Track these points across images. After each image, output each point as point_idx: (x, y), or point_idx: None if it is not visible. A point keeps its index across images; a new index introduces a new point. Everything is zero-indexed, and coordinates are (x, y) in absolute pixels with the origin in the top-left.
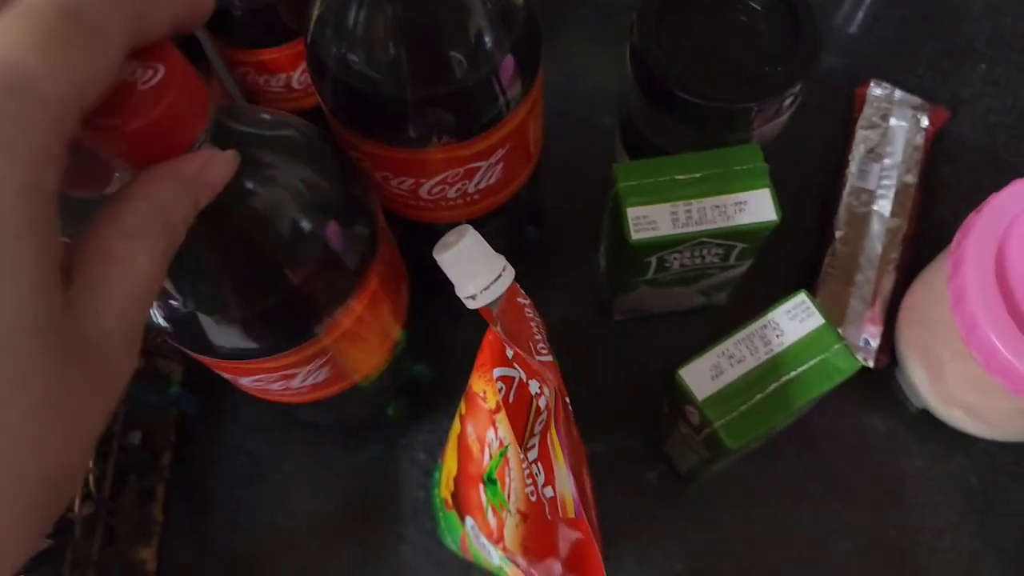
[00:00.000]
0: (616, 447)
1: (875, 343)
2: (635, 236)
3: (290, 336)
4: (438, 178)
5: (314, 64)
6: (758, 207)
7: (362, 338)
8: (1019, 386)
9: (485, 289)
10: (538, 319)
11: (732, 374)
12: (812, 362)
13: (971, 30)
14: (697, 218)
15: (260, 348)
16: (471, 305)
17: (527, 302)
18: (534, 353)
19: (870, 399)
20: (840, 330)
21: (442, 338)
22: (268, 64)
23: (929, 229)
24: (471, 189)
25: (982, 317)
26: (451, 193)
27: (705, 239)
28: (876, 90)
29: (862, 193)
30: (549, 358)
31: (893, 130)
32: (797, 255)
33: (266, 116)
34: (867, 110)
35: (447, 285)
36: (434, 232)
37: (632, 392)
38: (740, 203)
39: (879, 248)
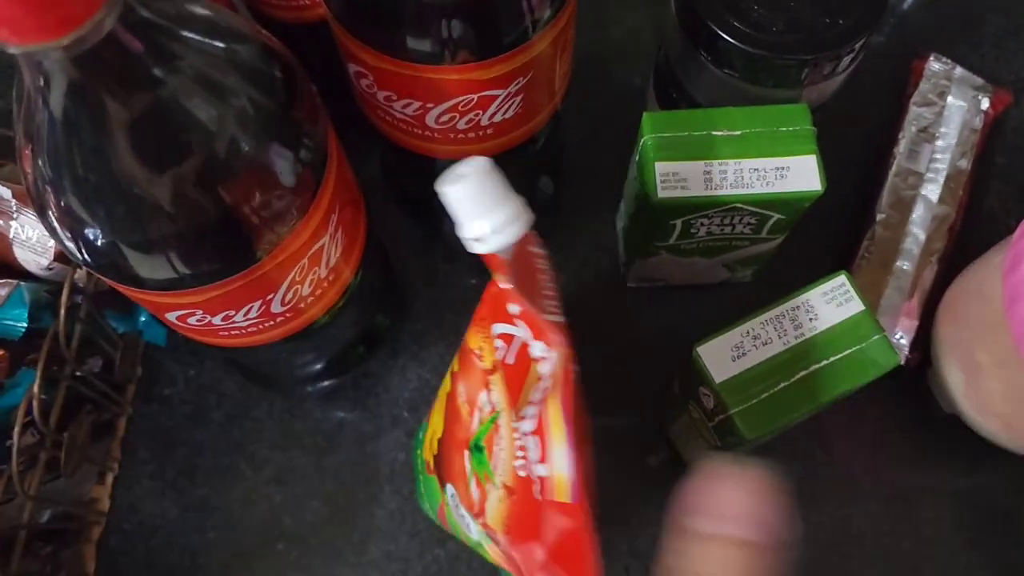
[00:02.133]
0: (617, 424)
1: (908, 339)
2: (661, 194)
3: (224, 262)
4: (448, 104)
5: None
6: (802, 174)
7: (307, 270)
8: None
9: (496, 232)
10: (551, 274)
11: (755, 357)
12: (846, 352)
13: None
14: (733, 180)
15: (189, 276)
16: (476, 249)
17: (541, 253)
18: (543, 311)
19: (896, 400)
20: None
21: (411, 286)
22: None
23: (979, 221)
24: (484, 122)
25: None
26: (461, 124)
27: (739, 204)
28: (935, 65)
29: (910, 175)
30: (559, 319)
31: (950, 109)
32: (833, 236)
33: (201, 11)
34: (924, 85)
35: (439, 226)
36: (435, 168)
37: (641, 367)
38: (782, 168)
39: (923, 236)
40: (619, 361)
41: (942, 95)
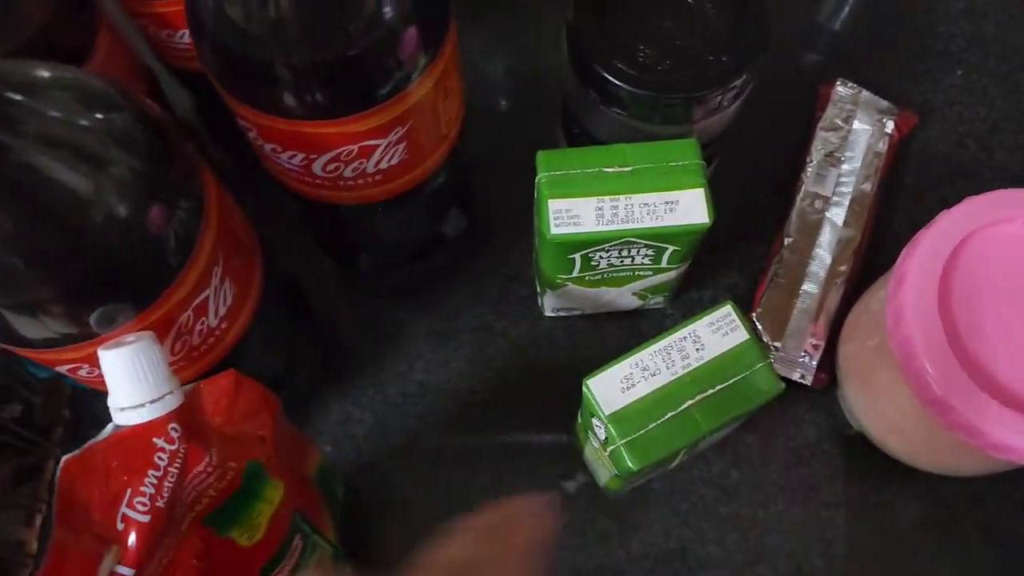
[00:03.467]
0: (534, 448)
1: (815, 360)
2: (554, 231)
3: (98, 322)
4: (331, 155)
5: (192, 19)
6: (690, 208)
7: (192, 321)
8: (950, 420)
9: (136, 407)
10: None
11: (644, 388)
12: (732, 380)
13: (949, 32)
14: (624, 216)
15: (68, 335)
16: (117, 418)
17: (167, 449)
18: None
19: (807, 418)
20: (780, 343)
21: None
22: (166, 18)
23: (885, 243)
24: (370, 169)
25: (919, 343)
26: (347, 172)
27: (632, 239)
28: (841, 90)
29: (817, 199)
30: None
31: (855, 133)
32: (747, 261)
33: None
34: (830, 110)
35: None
36: (339, 212)
37: (560, 395)
38: (671, 202)
39: (829, 259)
40: (539, 388)
41: (848, 119)
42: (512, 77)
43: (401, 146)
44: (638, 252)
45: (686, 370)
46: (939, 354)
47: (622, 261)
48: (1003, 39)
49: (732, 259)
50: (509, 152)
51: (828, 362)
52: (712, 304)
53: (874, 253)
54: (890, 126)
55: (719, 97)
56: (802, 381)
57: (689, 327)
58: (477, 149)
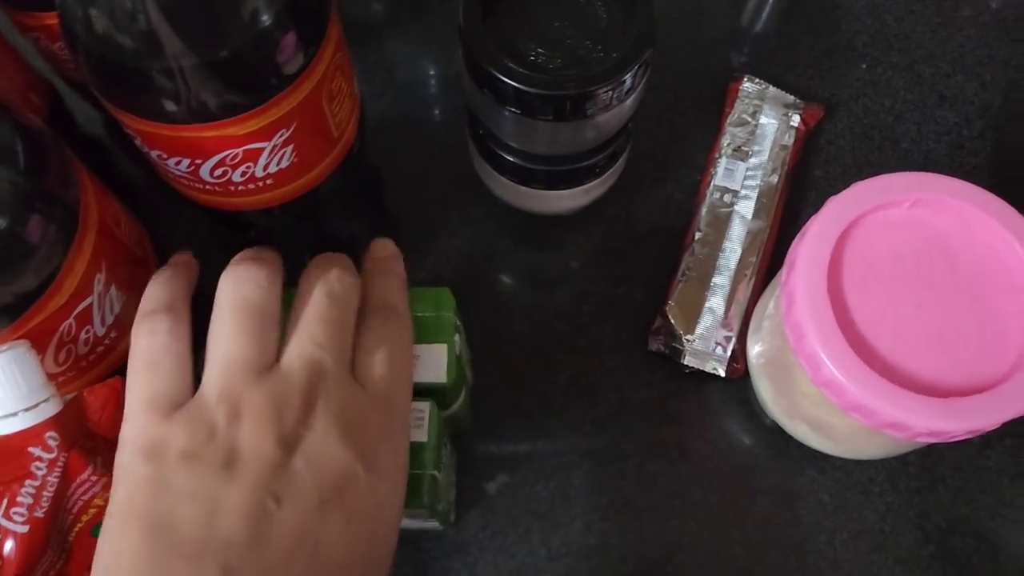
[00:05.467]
0: None
1: (728, 351)
2: None
3: None
4: (216, 159)
5: (64, 28)
6: (431, 364)
7: (75, 330)
8: (844, 401)
9: (8, 416)
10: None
11: None
12: None
13: (853, 28)
14: None
15: None
16: None
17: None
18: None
19: (726, 410)
20: (692, 335)
21: None
22: (55, 30)
23: (793, 234)
24: (260, 173)
25: (809, 326)
26: (236, 177)
27: None
28: (748, 86)
29: (726, 193)
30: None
31: (762, 128)
32: (666, 254)
33: None
34: (738, 106)
35: None
36: (243, 219)
37: None
38: (414, 356)
39: (739, 251)
40: None
41: (755, 114)
42: (431, 81)
43: (288, 149)
44: None
45: None
46: (830, 336)
47: None
48: (905, 33)
49: (647, 253)
50: (423, 156)
51: (742, 353)
52: (628, 302)
53: (783, 244)
54: (796, 120)
55: (609, 93)
56: (715, 373)
57: None
58: (390, 153)
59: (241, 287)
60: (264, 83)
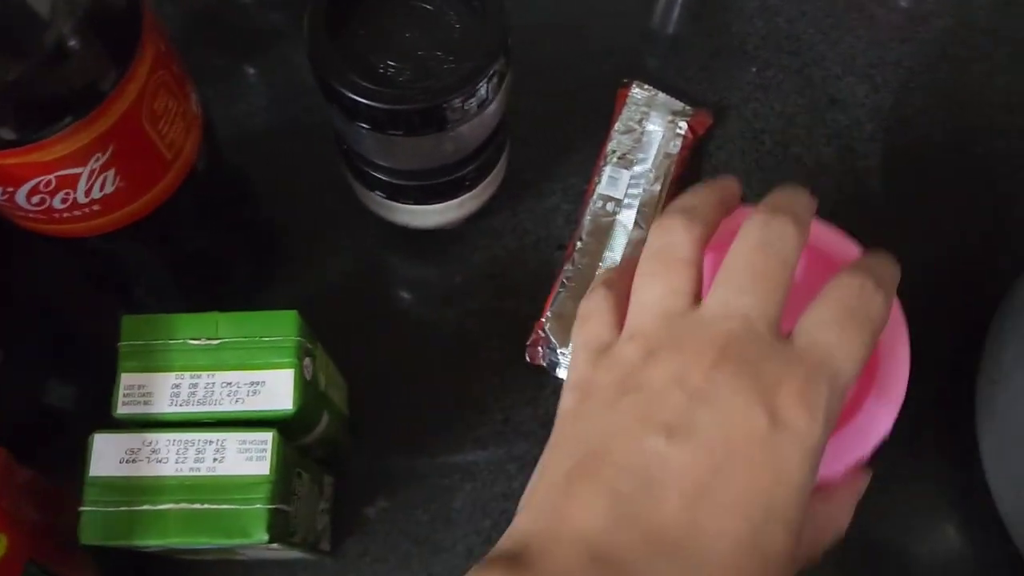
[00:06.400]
0: None
1: None
2: (121, 410)
3: None
4: (28, 186)
5: None
6: (276, 391)
7: None
8: None
9: None
10: None
11: (144, 469)
12: (224, 507)
13: (744, 31)
14: (202, 396)
15: None
16: None
17: None
18: None
19: None
20: (568, 349)
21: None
22: None
23: None
24: (83, 199)
25: None
26: (57, 203)
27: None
28: (637, 92)
29: (609, 201)
30: None
31: (648, 135)
32: (548, 264)
33: None
34: (626, 113)
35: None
36: (86, 246)
37: None
38: (257, 383)
39: (619, 261)
40: None
41: (641, 121)
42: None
43: (110, 174)
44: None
45: (192, 473)
46: None
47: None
48: (796, 35)
49: (532, 265)
50: (306, 169)
51: None
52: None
53: None
54: (683, 127)
55: (460, 103)
56: None
57: (221, 434)
58: (272, 165)
59: (664, 235)
60: (64, 108)
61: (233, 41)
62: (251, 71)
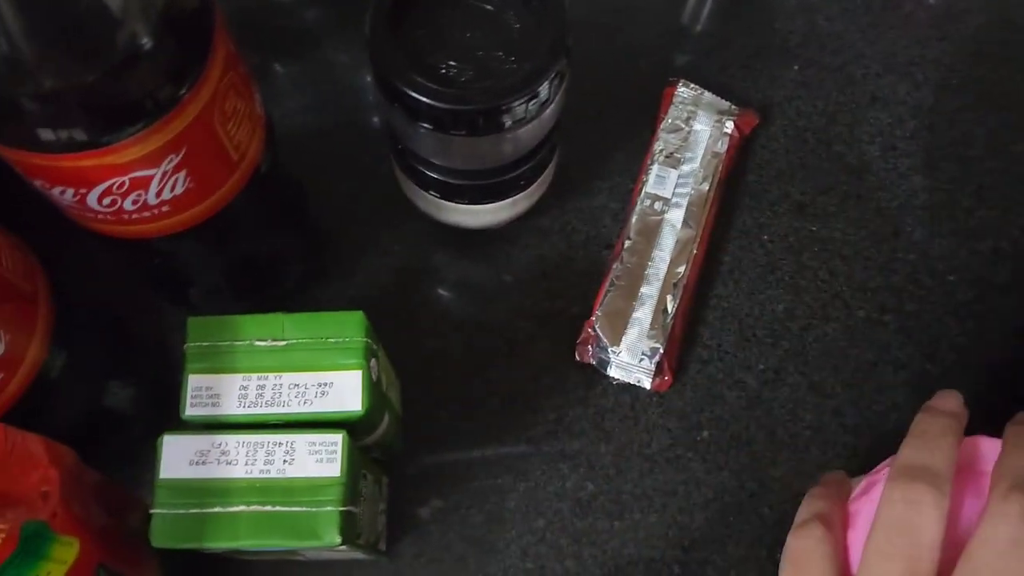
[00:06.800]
0: None
1: (653, 363)
2: (189, 412)
3: None
4: (101, 188)
5: None
6: (344, 393)
7: None
8: None
9: None
10: None
11: (215, 471)
12: (295, 509)
13: (785, 28)
14: (270, 398)
15: None
16: None
17: None
18: None
19: (661, 424)
20: (618, 347)
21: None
22: None
23: (727, 241)
24: (153, 201)
25: None
26: (128, 205)
27: (275, 423)
28: (683, 91)
29: (657, 200)
30: None
31: (696, 134)
32: (598, 263)
33: None
34: (672, 112)
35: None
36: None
37: None
38: (325, 384)
39: (667, 260)
40: None
41: (688, 121)
42: (366, 90)
43: (181, 175)
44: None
45: (262, 475)
46: None
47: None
48: (837, 33)
49: (581, 264)
50: (354, 169)
51: (670, 364)
52: (559, 314)
53: (715, 251)
54: (729, 126)
55: (523, 105)
56: (640, 385)
57: (290, 436)
58: (319, 167)
59: (909, 510)
60: (141, 110)
61: (267, 40)
62: (281, 70)
